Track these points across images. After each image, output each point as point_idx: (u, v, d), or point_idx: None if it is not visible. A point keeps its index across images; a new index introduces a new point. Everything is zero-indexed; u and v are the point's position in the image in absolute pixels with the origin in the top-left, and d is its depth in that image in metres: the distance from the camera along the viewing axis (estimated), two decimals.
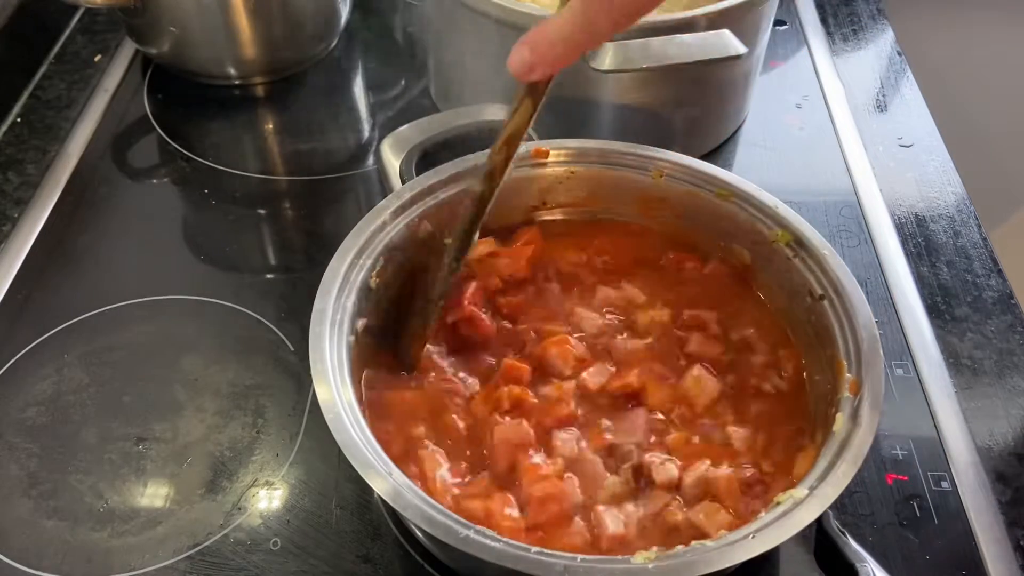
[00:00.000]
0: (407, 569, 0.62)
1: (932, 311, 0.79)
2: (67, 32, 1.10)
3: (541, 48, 0.52)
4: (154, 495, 0.66)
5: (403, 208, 0.67)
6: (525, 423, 0.60)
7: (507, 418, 0.60)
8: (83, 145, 0.95)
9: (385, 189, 0.73)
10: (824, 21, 1.14)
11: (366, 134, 1.00)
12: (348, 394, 0.56)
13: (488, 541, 0.48)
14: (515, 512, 0.55)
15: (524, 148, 0.70)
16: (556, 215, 0.74)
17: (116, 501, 0.66)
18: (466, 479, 0.58)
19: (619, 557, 0.49)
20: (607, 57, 0.77)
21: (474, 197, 0.61)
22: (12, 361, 0.74)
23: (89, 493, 0.66)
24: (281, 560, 0.62)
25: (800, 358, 0.64)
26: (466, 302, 0.66)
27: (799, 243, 0.64)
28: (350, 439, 0.53)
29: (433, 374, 0.64)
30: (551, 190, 0.73)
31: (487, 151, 0.70)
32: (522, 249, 0.70)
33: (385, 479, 0.51)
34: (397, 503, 0.50)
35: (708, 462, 0.58)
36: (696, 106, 0.90)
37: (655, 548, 0.49)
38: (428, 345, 0.65)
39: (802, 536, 0.50)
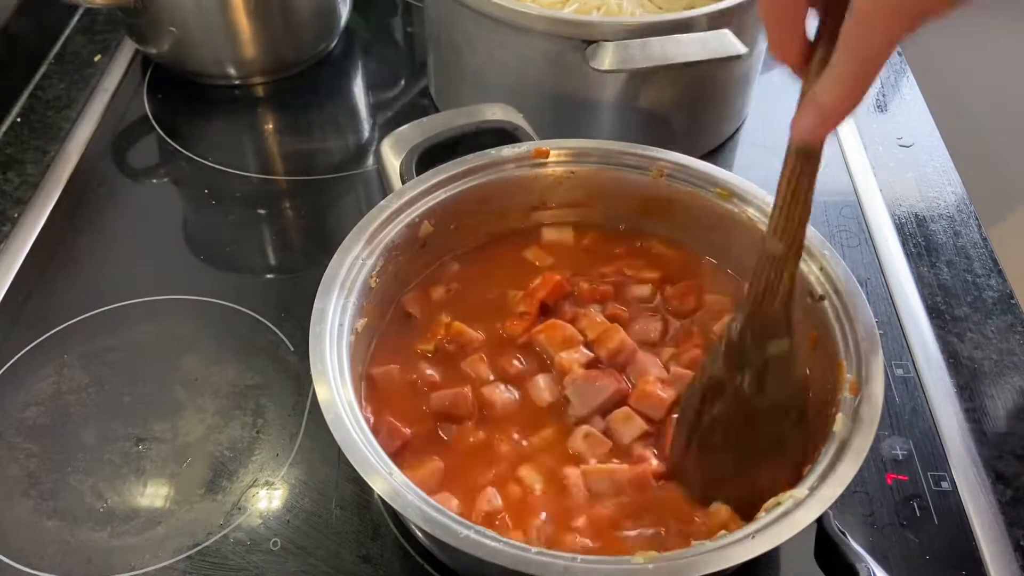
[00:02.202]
0: (407, 569, 0.62)
1: (932, 311, 0.79)
2: (67, 32, 1.10)
3: (824, 104, 0.47)
4: (154, 495, 0.66)
5: (403, 208, 0.67)
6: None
7: None
8: (83, 145, 0.95)
9: (385, 189, 0.73)
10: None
11: (366, 134, 1.00)
12: (348, 394, 0.56)
13: (488, 541, 0.48)
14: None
15: (524, 148, 0.71)
16: (556, 215, 0.74)
17: (116, 501, 0.66)
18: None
19: (619, 557, 0.49)
20: (607, 57, 0.77)
21: (787, 284, 0.53)
22: (12, 361, 0.74)
23: (89, 493, 0.66)
24: (281, 560, 0.62)
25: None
26: None
27: None
28: (350, 439, 0.53)
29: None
30: (551, 190, 0.73)
31: (487, 151, 0.70)
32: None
33: (385, 479, 0.51)
34: (397, 503, 0.50)
35: None
36: (696, 106, 0.90)
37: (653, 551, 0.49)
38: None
39: (802, 536, 0.50)
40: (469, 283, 0.71)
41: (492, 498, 0.57)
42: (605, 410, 0.62)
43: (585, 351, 0.64)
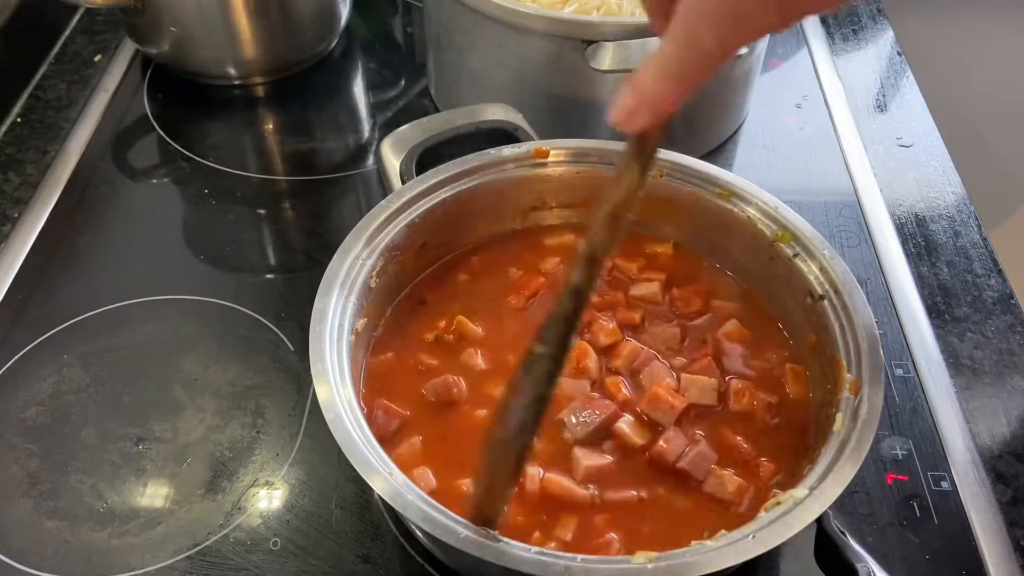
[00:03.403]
0: (407, 569, 0.62)
1: (932, 311, 0.79)
2: (67, 32, 1.10)
3: (643, 86, 0.43)
4: (154, 495, 0.66)
5: (403, 208, 0.67)
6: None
7: None
8: (83, 145, 0.95)
9: (385, 189, 0.73)
10: (824, 21, 1.14)
11: (366, 134, 1.00)
12: (348, 394, 0.56)
13: (488, 541, 0.48)
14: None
15: (524, 148, 0.71)
16: (556, 215, 0.74)
17: (116, 501, 0.66)
18: None
19: (619, 557, 0.49)
20: (607, 57, 0.77)
21: (569, 290, 0.48)
22: (12, 361, 0.74)
23: (89, 493, 0.66)
24: (281, 560, 0.62)
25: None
26: None
27: (799, 243, 0.64)
28: (350, 439, 0.53)
29: None
30: (551, 190, 0.73)
31: (487, 151, 0.70)
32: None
33: (385, 479, 0.51)
34: (397, 503, 0.50)
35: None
36: (696, 106, 0.89)
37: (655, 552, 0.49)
38: None
39: (802, 536, 0.50)
40: (479, 278, 0.71)
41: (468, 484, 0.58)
42: (600, 433, 0.61)
43: (587, 383, 0.64)
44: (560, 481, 0.58)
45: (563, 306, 0.49)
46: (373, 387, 0.64)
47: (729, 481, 0.58)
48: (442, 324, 0.67)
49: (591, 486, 0.58)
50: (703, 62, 0.41)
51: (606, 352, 0.66)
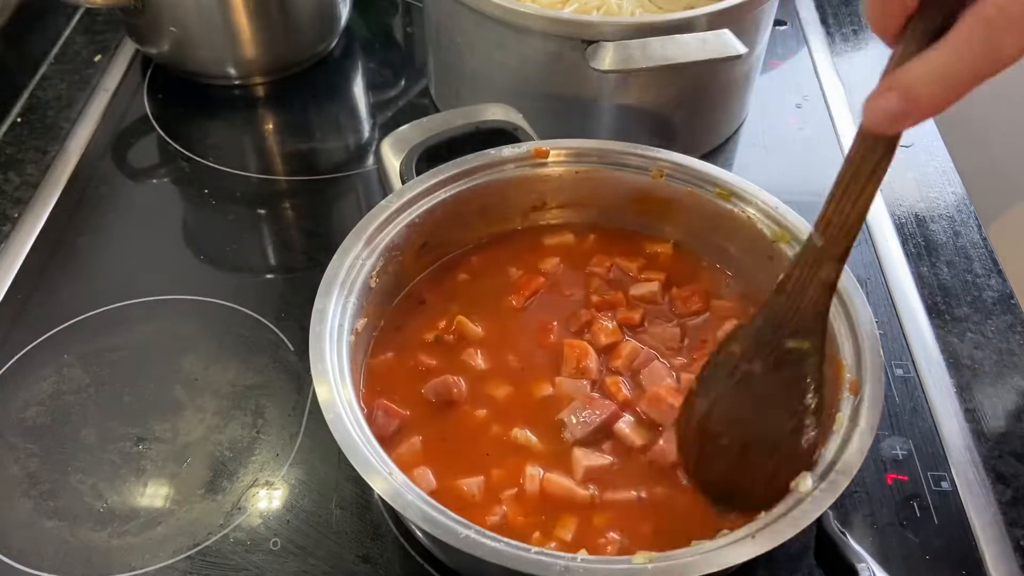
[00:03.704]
0: (407, 569, 0.62)
1: (932, 311, 0.79)
2: (67, 32, 1.10)
3: (916, 92, 0.40)
4: (154, 495, 0.66)
5: (403, 208, 0.67)
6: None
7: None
8: (83, 145, 0.95)
9: (385, 189, 0.73)
10: (824, 21, 1.14)
11: (366, 134, 1.00)
12: (348, 394, 0.56)
13: (488, 541, 0.48)
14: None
15: (524, 148, 0.71)
16: (556, 215, 0.74)
17: (116, 501, 0.66)
18: None
19: (619, 557, 0.49)
20: (607, 57, 0.77)
21: (826, 283, 0.50)
22: (12, 361, 0.74)
23: (89, 493, 0.66)
24: (281, 560, 0.62)
25: None
26: None
27: (799, 243, 0.64)
28: (350, 439, 0.53)
29: None
30: (551, 190, 0.73)
31: (487, 151, 0.70)
32: None
33: (385, 479, 0.51)
34: (397, 503, 0.50)
35: None
36: (696, 106, 0.90)
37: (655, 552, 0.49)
38: None
39: (802, 536, 0.49)
40: (479, 279, 0.72)
41: (472, 487, 0.58)
42: (600, 433, 0.61)
43: (587, 384, 0.64)
44: (560, 482, 0.58)
45: (822, 298, 0.50)
46: (373, 387, 0.64)
47: None
48: (442, 324, 0.67)
49: (591, 486, 0.58)
50: (992, 69, 0.39)
51: (606, 352, 0.66)
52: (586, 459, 0.59)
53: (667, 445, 0.59)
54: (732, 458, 0.54)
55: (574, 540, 0.56)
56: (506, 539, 0.49)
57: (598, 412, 0.61)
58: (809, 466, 0.52)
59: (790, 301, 0.51)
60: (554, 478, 0.58)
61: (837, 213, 0.47)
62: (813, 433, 0.52)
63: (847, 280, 0.61)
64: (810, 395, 0.52)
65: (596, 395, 0.63)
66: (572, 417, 0.61)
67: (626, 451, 0.60)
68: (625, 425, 0.61)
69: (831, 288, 0.50)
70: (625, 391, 0.63)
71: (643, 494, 0.58)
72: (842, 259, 0.49)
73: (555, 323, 0.68)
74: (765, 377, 0.52)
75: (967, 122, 1.21)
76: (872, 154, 0.45)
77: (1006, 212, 1.42)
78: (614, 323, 0.67)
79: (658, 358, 0.65)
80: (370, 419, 0.59)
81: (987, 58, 0.38)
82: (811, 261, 0.50)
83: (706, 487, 0.55)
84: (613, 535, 0.56)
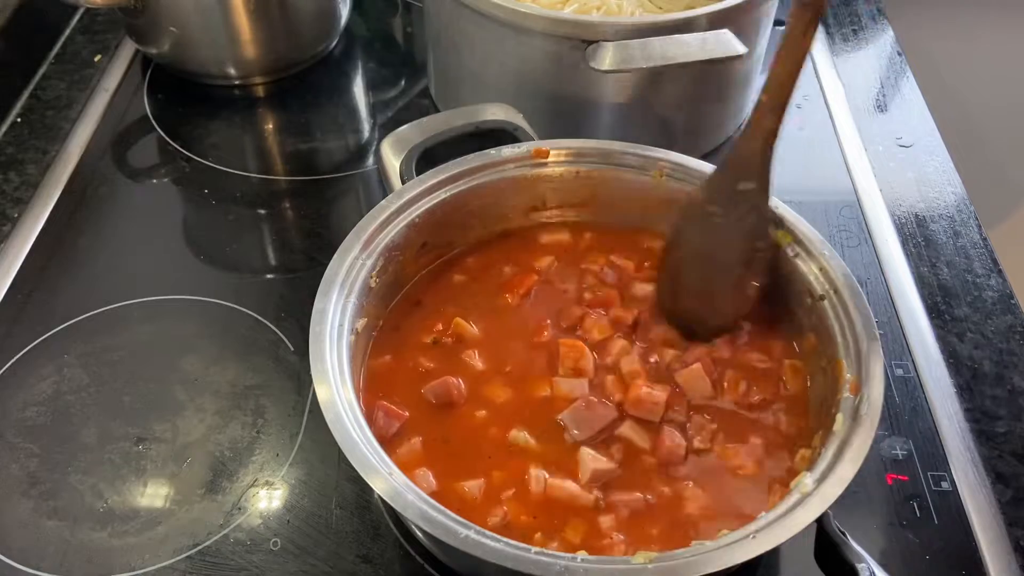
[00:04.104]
0: (407, 569, 0.62)
1: (932, 311, 0.79)
2: (67, 32, 1.10)
3: None
4: (154, 495, 0.66)
5: (403, 208, 0.67)
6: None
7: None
8: (83, 145, 0.95)
9: (385, 189, 0.73)
10: (824, 21, 1.14)
11: (366, 134, 1.00)
12: (348, 394, 0.56)
13: (488, 541, 0.48)
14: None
15: (524, 148, 0.71)
16: (556, 215, 0.74)
17: (116, 501, 0.66)
18: None
19: (619, 557, 0.49)
20: (607, 57, 0.77)
21: (769, 130, 0.60)
22: (12, 361, 0.74)
23: (89, 493, 0.66)
24: (281, 560, 0.62)
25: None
26: None
27: (799, 243, 0.64)
28: (350, 439, 0.53)
29: None
30: (551, 190, 0.73)
31: (487, 151, 0.70)
32: None
33: (385, 479, 0.51)
34: (397, 503, 0.50)
35: None
36: (696, 106, 0.89)
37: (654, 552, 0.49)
38: None
39: (802, 536, 0.50)
40: (475, 278, 0.71)
41: (473, 488, 0.58)
42: (604, 435, 0.61)
43: (584, 383, 0.63)
44: (563, 485, 0.58)
45: (764, 144, 0.60)
46: (373, 388, 0.64)
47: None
48: (439, 327, 0.67)
49: (595, 490, 0.58)
50: None
51: (598, 348, 0.66)
52: (594, 462, 0.59)
53: (672, 444, 0.59)
54: (696, 292, 0.64)
55: (580, 543, 0.55)
56: (506, 539, 0.49)
57: (600, 416, 0.61)
58: (748, 305, 0.63)
59: (740, 149, 0.62)
60: (558, 483, 0.58)
61: (776, 71, 0.59)
62: (760, 269, 0.63)
63: (847, 280, 0.61)
64: (758, 238, 0.62)
65: (595, 399, 0.62)
66: (573, 422, 0.61)
67: (631, 453, 0.60)
68: (629, 429, 0.61)
69: (773, 134, 0.60)
70: (621, 391, 0.63)
71: (650, 496, 0.58)
72: (780, 109, 0.60)
73: (548, 321, 0.68)
74: (723, 217, 0.62)
75: (967, 122, 1.21)
76: (802, 18, 0.57)
77: (1006, 212, 1.42)
78: (606, 319, 0.67)
79: (642, 356, 0.65)
80: (370, 420, 0.59)
81: None
82: (757, 116, 0.61)
83: (674, 319, 0.65)
84: (620, 536, 0.56)
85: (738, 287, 0.63)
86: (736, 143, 0.62)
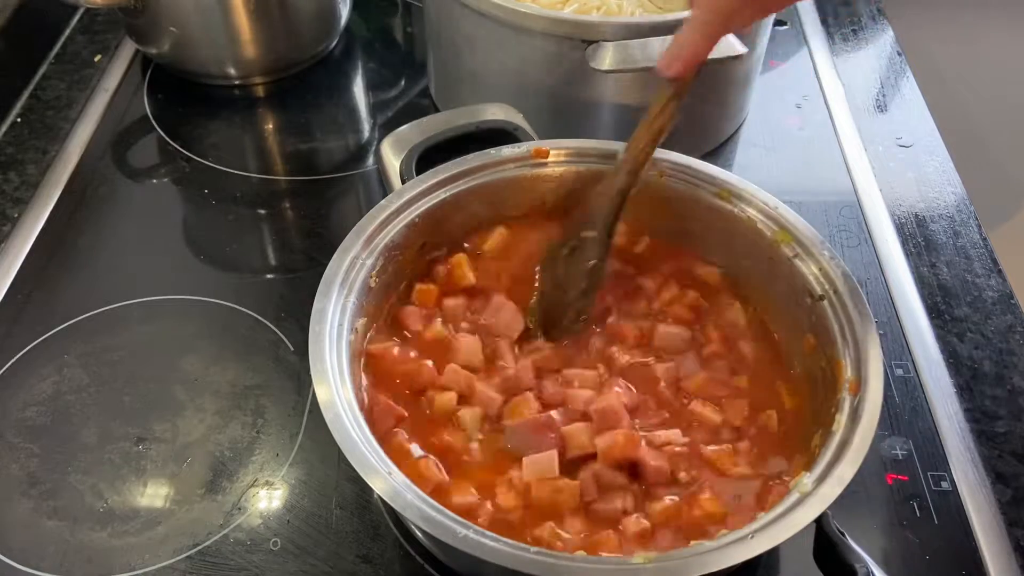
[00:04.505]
0: (407, 569, 0.62)
1: (932, 311, 0.79)
2: (67, 32, 1.10)
3: (679, 41, 0.60)
4: (154, 495, 0.66)
5: (403, 208, 0.67)
6: None
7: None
8: (83, 145, 0.95)
9: (385, 189, 0.73)
10: (824, 21, 1.14)
11: (366, 134, 1.00)
12: (348, 394, 0.56)
13: (487, 541, 0.48)
14: None
15: (524, 148, 0.71)
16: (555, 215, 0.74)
17: (116, 501, 0.66)
18: None
19: (619, 557, 0.49)
20: (607, 57, 0.77)
21: (618, 189, 0.66)
22: (12, 361, 0.74)
23: (89, 493, 0.66)
24: (281, 560, 0.62)
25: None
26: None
27: (799, 243, 0.64)
28: (350, 439, 0.53)
29: None
30: (551, 190, 0.73)
31: (487, 151, 0.70)
32: None
33: (385, 479, 0.51)
34: (397, 503, 0.50)
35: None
36: (696, 106, 0.89)
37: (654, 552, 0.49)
38: None
39: (802, 536, 0.50)
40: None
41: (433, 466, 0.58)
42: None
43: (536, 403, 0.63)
44: (552, 483, 0.57)
45: (611, 202, 0.66)
46: (372, 384, 0.64)
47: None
48: (436, 327, 0.67)
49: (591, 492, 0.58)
50: (725, 24, 0.59)
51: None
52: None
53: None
54: (556, 310, 0.68)
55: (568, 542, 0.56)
56: (506, 539, 0.49)
57: (540, 441, 0.60)
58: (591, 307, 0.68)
59: (592, 200, 0.68)
60: (545, 484, 0.57)
61: (637, 136, 0.65)
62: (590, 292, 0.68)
63: (847, 280, 0.61)
64: (591, 264, 0.67)
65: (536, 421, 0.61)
66: (511, 438, 0.61)
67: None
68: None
69: (623, 193, 0.66)
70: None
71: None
72: (634, 173, 0.66)
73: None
74: (569, 257, 0.68)
75: (967, 122, 1.21)
76: (665, 92, 0.63)
77: (1006, 212, 1.42)
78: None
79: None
80: (369, 417, 0.59)
81: (715, 16, 0.59)
82: (612, 173, 0.66)
83: (545, 331, 0.68)
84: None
85: (581, 297, 0.68)
86: (591, 194, 0.68)
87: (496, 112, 0.76)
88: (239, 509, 0.65)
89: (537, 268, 0.70)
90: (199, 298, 0.79)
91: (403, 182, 0.70)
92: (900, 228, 0.87)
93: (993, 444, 0.69)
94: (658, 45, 0.76)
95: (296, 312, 0.78)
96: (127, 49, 1.07)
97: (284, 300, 0.79)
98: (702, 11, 0.59)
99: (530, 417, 0.61)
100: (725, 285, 0.70)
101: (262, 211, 0.90)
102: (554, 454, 0.58)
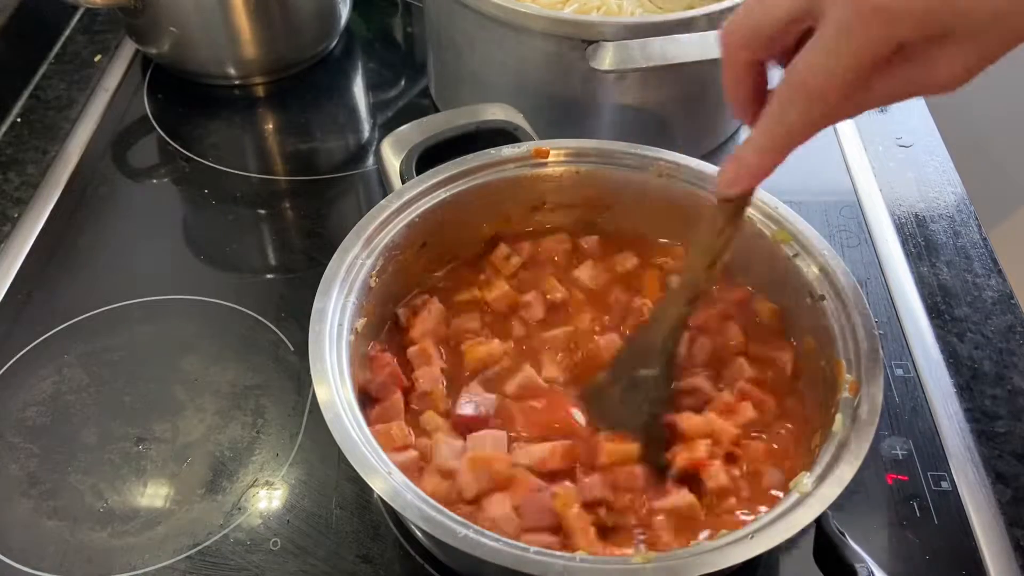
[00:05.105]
0: (407, 569, 0.62)
1: (932, 311, 0.79)
2: (67, 32, 1.10)
3: (744, 160, 0.52)
4: (154, 495, 0.66)
5: (403, 208, 0.67)
6: None
7: None
8: (83, 145, 0.95)
9: (385, 189, 0.73)
10: None
11: (366, 134, 1.00)
12: (348, 394, 0.56)
13: (487, 540, 0.48)
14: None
15: (524, 148, 0.71)
16: (556, 215, 0.74)
17: (116, 501, 0.66)
18: None
19: (618, 557, 0.49)
20: (607, 57, 0.77)
21: (677, 319, 0.60)
22: (12, 361, 0.74)
23: (89, 493, 0.66)
24: (281, 560, 0.62)
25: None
26: None
27: (799, 243, 0.64)
28: (350, 439, 0.53)
29: None
30: (551, 190, 0.73)
31: (487, 151, 0.70)
32: None
33: (385, 479, 0.51)
34: (397, 503, 0.50)
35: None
36: (696, 106, 0.90)
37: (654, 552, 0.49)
38: None
39: (802, 536, 0.50)
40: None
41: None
42: None
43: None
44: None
45: (672, 334, 0.60)
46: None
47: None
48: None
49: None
50: (789, 145, 0.50)
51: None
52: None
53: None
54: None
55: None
56: (506, 539, 0.49)
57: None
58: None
59: (644, 336, 0.62)
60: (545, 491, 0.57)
61: (691, 262, 0.59)
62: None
63: (847, 280, 0.61)
64: (654, 403, 0.61)
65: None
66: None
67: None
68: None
69: (683, 322, 0.60)
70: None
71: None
72: (693, 302, 0.59)
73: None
74: (623, 396, 0.61)
75: (967, 122, 1.21)
76: (723, 213, 0.56)
77: (1006, 212, 1.42)
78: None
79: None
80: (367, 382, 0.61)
81: (796, 127, 0.49)
82: (666, 303, 0.61)
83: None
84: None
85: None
86: (642, 329, 0.63)
87: (496, 112, 0.76)
88: (239, 509, 0.65)
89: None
90: (199, 298, 0.79)
91: (403, 182, 0.70)
92: (900, 228, 0.87)
93: (993, 444, 0.69)
94: (658, 45, 0.76)
95: (296, 312, 0.78)
96: (127, 49, 1.07)
97: (284, 300, 0.79)
98: (763, 136, 0.51)
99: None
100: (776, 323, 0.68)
101: (262, 211, 0.90)
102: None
